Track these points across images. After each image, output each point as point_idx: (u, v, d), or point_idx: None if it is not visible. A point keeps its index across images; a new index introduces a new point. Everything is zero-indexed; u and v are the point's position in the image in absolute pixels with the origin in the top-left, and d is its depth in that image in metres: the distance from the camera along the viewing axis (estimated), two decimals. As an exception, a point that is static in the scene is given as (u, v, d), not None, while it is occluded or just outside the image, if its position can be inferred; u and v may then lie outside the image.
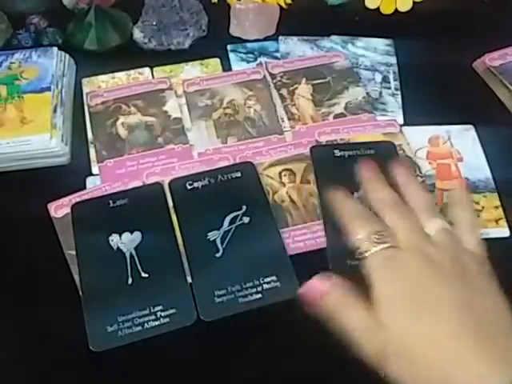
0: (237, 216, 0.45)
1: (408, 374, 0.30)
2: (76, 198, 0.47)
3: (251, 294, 0.42)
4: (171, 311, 0.41)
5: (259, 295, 0.42)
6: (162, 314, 0.41)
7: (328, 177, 0.48)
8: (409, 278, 0.32)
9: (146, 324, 0.41)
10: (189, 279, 0.43)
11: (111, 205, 0.46)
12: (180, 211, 0.45)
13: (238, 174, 0.47)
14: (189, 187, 0.47)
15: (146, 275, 0.42)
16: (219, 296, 0.42)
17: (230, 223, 0.45)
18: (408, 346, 0.30)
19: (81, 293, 0.42)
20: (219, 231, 0.44)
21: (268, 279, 0.42)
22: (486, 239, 0.46)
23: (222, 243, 0.44)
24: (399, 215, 0.36)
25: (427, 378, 0.30)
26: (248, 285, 0.42)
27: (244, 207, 0.45)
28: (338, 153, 0.49)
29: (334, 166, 0.48)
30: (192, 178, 0.47)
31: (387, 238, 0.34)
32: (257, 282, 0.42)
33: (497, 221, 0.47)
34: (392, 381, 0.30)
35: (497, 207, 0.48)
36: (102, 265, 0.43)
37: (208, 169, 0.48)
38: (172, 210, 0.46)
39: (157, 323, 0.41)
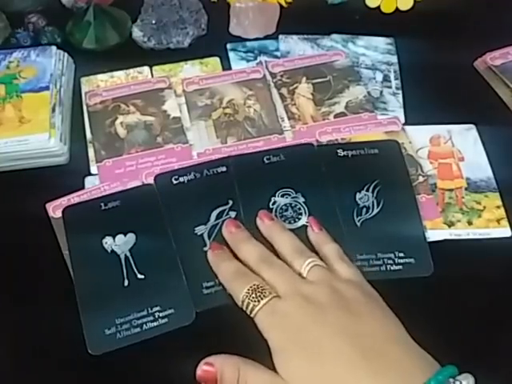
0: (223, 211, 0.45)
1: None
2: (74, 197, 0.46)
3: None
4: (169, 311, 0.41)
5: None
6: (160, 314, 0.41)
7: (332, 176, 0.48)
8: (294, 325, 0.33)
9: (144, 325, 0.40)
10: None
11: (103, 207, 0.45)
12: (166, 206, 0.45)
13: (224, 169, 0.47)
14: (175, 182, 0.47)
15: (142, 276, 0.42)
16: (207, 288, 0.42)
17: (217, 218, 0.45)
18: None
19: (77, 297, 0.41)
20: (206, 226, 0.44)
21: None
22: (488, 239, 0.46)
23: (209, 237, 0.44)
24: (271, 266, 0.38)
25: None
26: None
27: (230, 202, 0.45)
28: (341, 152, 0.49)
29: (338, 166, 0.48)
30: (178, 172, 0.47)
31: (266, 291, 0.36)
32: None
33: (498, 221, 0.47)
34: None
35: (498, 207, 0.48)
36: (97, 268, 0.43)
37: (193, 163, 0.48)
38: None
39: (155, 324, 0.40)
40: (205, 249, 0.43)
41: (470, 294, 0.44)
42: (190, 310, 0.41)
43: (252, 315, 0.35)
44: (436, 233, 0.46)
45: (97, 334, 0.40)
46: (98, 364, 0.40)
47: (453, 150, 0.52)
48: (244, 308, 0.36)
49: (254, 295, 0.35)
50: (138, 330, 0.40)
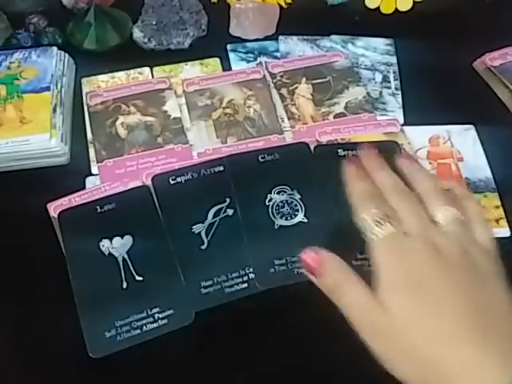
0: (221, 209, 0.45)
1: (401, 361, 0.30)
2: (75, 197, 0.47)
3: (237, 284, 0.42)
4: (169, 312, 0.41)
5: (245, 285, 0.42)
6: (160, 315, 0.41)
7: (332, 175, 0.47)
8: (415, 266, 0.32)
9: (144, 327, 0.40)
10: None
11: (99, 210, 0.45)
12: (164, 206, 0.46)
13: (221, 168, 0.48)
14: (172, 182, 0.47)
15: (141, 278, 0.42)
16: (206, 287, 0.42)
17: (215, 216, 0.45)
18: (407, 335, 0.30)
19: (76, 301, 0.41)
20: (204, 224, 0.45)
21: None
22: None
23: (206, 235, 0.44)
24: (407, 200, 0.34)
25: (421, 369, 0.29)
26: (234, 275, 0.43)
27: (227, 200, 0.46)
28: (341, 152, 0.49)
29: (338, 165, 0.48)
30: (175, 173, 0.48)
31: (394, 222, 0.33)
32: (242, 272, 0.43)
33: (497, 221, 0.47)
34: (380, 360, 0.30)
35: (497, 207, 0.48)
36: (95, 271, 0.43)
37: (191, 164, 0.49)
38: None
39: (155, 325, 0.40)
40: (202, 247, 0.44)
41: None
42: (189, 311, 0.41)
43: (369, 238, 0.33)
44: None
45: (97, 337, 0.40)
46: (99, 366, 0.40)
47: (452, 151, 0.52)
48: (363, 228, 0.33)
49: (381, 220, 0.33)
50: (138, 331, 0.40)
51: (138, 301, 0.41)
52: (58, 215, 0.45)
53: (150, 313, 0.41)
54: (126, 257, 0.43)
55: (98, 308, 0.41)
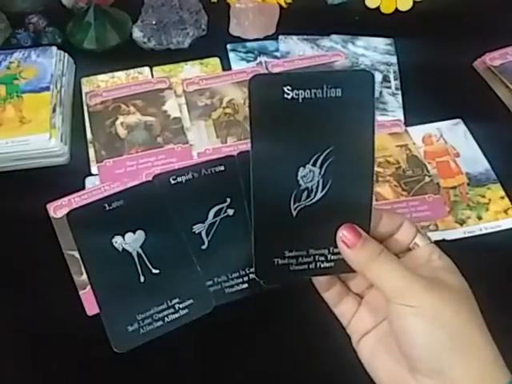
0: (221, 208, 0.45)
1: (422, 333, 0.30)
2: (75, 198, 0.47)
3: (237, 284, 0.43)
4: (189, 302, 0.41)
5: (245, 285, 0.43)
6: (180, 305, 0.41)
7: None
8: None
9: (166, 318, 0.41)
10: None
11: (107, 208, 0.45)
12: (164, 206, 0.46)
13: (222, 168, 0.48)
14: (173, 182, 0.47)
15: (157, 271, 0.42)
16: (209, 286, 0.42)
17: (215, 216, 0.45)
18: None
19: (96, 298, 0.41)
20: (204, 224, 0.45)
21: (254, 269, 0.43)
22: (498, 232, 0.46)
23: (207, 235, 0.44)
24: None
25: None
26: (234, 275, 0.43)
27: (228, 200, 0.46)
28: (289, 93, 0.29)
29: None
30: (176, 172, 0.47)
31: None
32: (243, 273, 0.43)
33: (506, 211, 0.47)
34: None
35: (502, 197, 0.48)
36: (112, 267, 0.43)
37: (192, 163, 0.49)
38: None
39: (176, 316, 0.41)
40: (203, 247, 0.44)
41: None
42: (208, 299, 0.41)
43: None
44: (450, 232, 0.46)
45: (120, 332, 0.40)
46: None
47: (447, 147, 0.52)
48: None
49: None
50: (161, 323, 0.41)
51: (156, 293, 0.42)
52: (67, 215, 0.45)
53: (170, 304, 0.41)
54: (140, 251, 0.43)
55: (118, 303, 0.41)
